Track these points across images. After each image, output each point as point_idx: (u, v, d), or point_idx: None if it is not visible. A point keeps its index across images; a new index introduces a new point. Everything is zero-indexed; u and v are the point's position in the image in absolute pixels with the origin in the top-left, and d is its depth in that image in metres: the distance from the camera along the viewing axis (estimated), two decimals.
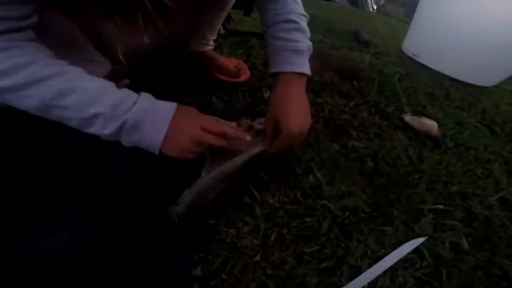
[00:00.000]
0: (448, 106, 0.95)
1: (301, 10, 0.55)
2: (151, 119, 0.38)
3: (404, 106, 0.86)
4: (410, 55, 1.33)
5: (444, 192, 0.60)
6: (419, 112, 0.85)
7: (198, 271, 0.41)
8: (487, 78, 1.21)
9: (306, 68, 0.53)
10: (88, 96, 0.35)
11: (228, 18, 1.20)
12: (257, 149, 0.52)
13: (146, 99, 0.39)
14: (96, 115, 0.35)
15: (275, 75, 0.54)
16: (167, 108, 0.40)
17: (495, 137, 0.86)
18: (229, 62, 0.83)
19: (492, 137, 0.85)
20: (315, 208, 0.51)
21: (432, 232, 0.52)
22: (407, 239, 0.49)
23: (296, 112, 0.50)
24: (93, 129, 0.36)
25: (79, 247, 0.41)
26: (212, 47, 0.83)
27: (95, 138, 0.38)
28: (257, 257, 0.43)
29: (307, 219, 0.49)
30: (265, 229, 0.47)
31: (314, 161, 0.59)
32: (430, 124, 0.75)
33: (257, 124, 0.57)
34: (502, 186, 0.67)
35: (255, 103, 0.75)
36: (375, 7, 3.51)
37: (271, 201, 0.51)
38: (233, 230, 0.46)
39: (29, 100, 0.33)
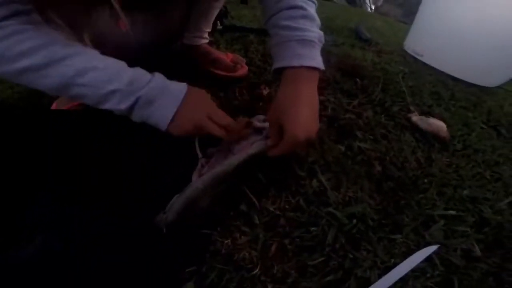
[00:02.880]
0: (454, 106, 0.92)
1: None
2: (163, 97, 0.40)
3: (410, 105, 0.82)
4: (413, 54, 1.30)
5: (454, 196, 0.57)
6: (425, 112, 0.81)
7: (190, 286, 0.37)
8: (490, 78, 1.19)
9: (317, 62, 0.46)
10: (105, 74, 0.37)
11: (226, 13, 1.16)
12: (253, 150, 0.47)
13: (159, 78, 0.42)
14: (113, 92, 0.37)
15: (281, 71, 0.47)
16: (179, 88, 0.42)
17: (501, 139, 0.84)
18: (225, 56, 0.79)
19: (498, 139, 0.83)
20: (319, 216, 0.47)
21: (443, 239, 0.49)
22: (418, 247, 0.46)
23: (304, 116, 0.44)
24: (109, 105, 0.38)
25: (51, 259, 0.37)
26: (207, 40, 0.79)
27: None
28: (256, 270, 0.39)
29: (311, 228, 0.45)
30: (265, 239, 0.43)
31: (318, 164, 0.55)
32: (438, 125, 0.71)
33: (257, 122, 0.52)
34: None
35: (253, 100, 0.71)
36: (373, 7, 3.50)
37: (271, 208, 0.47)
38: (228, 240, 0.42)
39: (49, 80, 0.35)
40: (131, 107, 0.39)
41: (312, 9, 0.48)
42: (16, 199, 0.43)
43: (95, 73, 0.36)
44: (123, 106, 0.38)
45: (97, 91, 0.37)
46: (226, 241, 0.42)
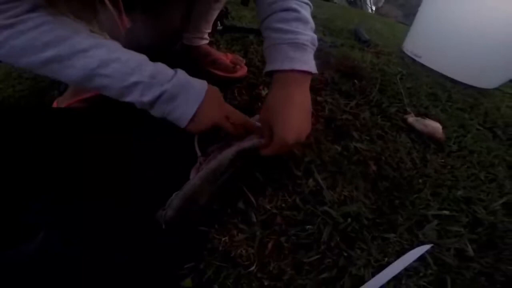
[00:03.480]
0: (451, 108, 0.92)
1: None
2: (186, 93, 0.41)
3: (406, 106, 0.83)
4: (411, 55, 1.30)
5: (448, 197, 0.58)
6: (421, 113, 0.82)
7: (188, 282, 0.38)
8: (488, 80, 1.19)
9: (310, 66, 0.46)
10: (128, 65, 0.37)
11: (226, 14, 1.17)
12: (247, 144, 0.48)
13: (182, 74, 0.42)
14: (136, 83, 0.38)
15: (272, 73, 0.47)
16: (200, 85, 0.43)
17: (497, 140, 0.84)
18: (225, 57, 0.80)
19: (494, 141, 0.84)
20: (315, 215, 0.48)
21: (436, 238, 0.50)
22: (411, 246, 0.47)
23: (294, 119, 0.44)
24: (132, 97, 0.39)
25: (51, 255, 0.37)
26: (207, 41, 0.79)
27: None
28: (253, 267, 0.40)
29: (307, 227, 0.46)
30: (262, 237, 0.44)
31: (314, 164, 0.56)
32: (434, 126, 0.72)
33: (255, 121, 0.54)
34: (506, 191, 0.65)
35: (252, 100, 0.72)
36: (373, 8, 3.51)
37: (268, 207, 0.48)
38: (226, 238, 0.43)
39: (72, 70, 0.36)
40: (154, 101, 0.39)
41: (306, 12, 0.47)
42: (17, 197, 0.44)
43: (117, 65, 0.37)
44: (146, 98, 0.39)
45: (119, 83, 0.37)
46: (223, 238, 0.43)
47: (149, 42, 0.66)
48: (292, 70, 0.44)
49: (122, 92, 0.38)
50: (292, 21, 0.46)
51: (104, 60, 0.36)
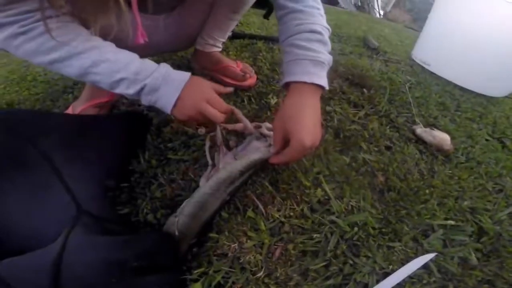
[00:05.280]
0: (459, 118, 0.92)
1: (325, 23, 0.53)
2: (165, 85, 0.45)
3: (415, 117, 0.83)
4: (420, 63, 1.30)
5: (455, 207, 0.58)
6: (430, 124, 0.82)
7: (197, 286, 0.40)
8: (497, 88, 1.18)
9: (325, 81, 0.50)
10: (116, 64, 0.44)
11: None
12: (257, 156, 0.49)
13: (164, 68, 0.47)
14: (121, 79, 0.44)
15: (289, 84, 0.51)
16: (181, 77, 0.47)
17: (506, 150, 0.84)
18: (235, 65, 0.81)
19: (503, 151, 0.83)
20: (322, 224, 0.49)
21: (441, 247, 0.50)
22: (416, 255, 0.48)
23: (310, 125, 0.47)
24: (120, 90, 0.45)
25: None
26: (219, 49, 0.81)
27: None
28: (260, 273, 0.42)
29: (314, 235, 0.47)
30: (270, 244, 0.45)
31: (322, 174, 0.57)
32: (442, 137, 0.72)
33: (265, 128, 0.55)
34: None
35: (261, 109, 0.73)
36: (382, 12, 3.49)
37: (276, 215, 0.49)
38: (235, 244, 0.44)
39: (71, 69, 0.43)
40: (138, 93, 0.45)
41: (327, 35, 0.52)
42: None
43: (106, 64, 0.43)
44: (131, 91, 0.44)
45: (108, 79, 0.44)
46: (233, 245, 0.44)
47: (168, 45, 0.68)
48: (310, 84, 0.48)
49: (112, 86, 0.45)
50: (315, 41, 0.50)
51: (96, 60, 0.43)
